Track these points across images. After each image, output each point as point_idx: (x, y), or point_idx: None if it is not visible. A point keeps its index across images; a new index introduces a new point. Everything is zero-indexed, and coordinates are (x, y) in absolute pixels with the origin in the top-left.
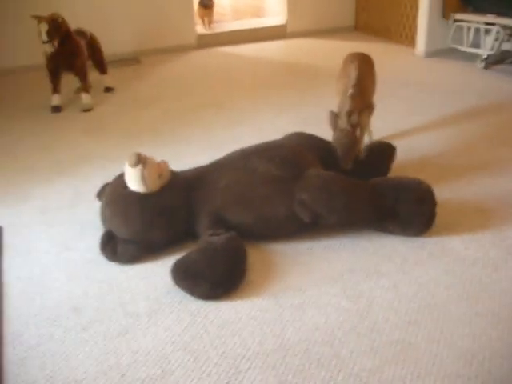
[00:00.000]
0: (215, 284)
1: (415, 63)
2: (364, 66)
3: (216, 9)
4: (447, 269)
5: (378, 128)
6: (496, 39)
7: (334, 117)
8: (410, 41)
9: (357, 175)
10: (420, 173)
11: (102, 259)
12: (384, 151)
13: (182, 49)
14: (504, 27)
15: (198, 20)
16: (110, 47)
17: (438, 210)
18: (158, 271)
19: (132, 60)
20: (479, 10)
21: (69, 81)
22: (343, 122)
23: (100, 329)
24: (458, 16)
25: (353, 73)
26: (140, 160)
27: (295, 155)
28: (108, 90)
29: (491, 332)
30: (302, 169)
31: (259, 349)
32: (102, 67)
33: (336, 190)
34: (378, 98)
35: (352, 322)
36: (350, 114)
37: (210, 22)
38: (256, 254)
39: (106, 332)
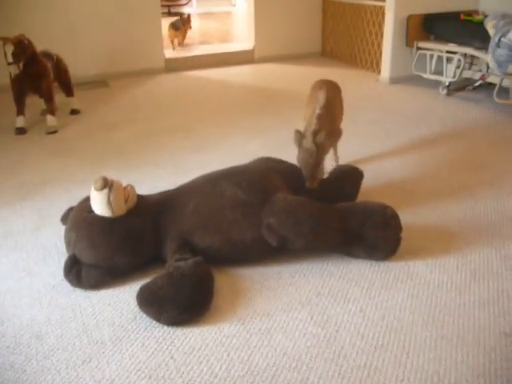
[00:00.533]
0: (182, 310)
1: (380, 89)
2: (332, 93)
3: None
4: (412, 293)
5: (344, 153)
6: (457, 67)
7: (300, 136)
8: (375, 67)
9: (324, 200)
10: (385, 197)
11: (65, 285)
12: (352, 175)
13: (150, 72)
14: (465, 55)
15: (168, 42)
16: (78, 70)
17: (403, 234)
18: (124, 297)
19: (100, 83)
20: (441, 38)
21: (34, 102)
22: (308, 142)
23: (63, 357)
24: (421, 44)
25: (321, 97)
26: (106, 184)
27: (262, 179)
28: (74, 112)
29: (456, 355)
30: (270, 193)
31: (226, 375)
32: (68, 89)
33: (303, 215)
34: (344, 123)
35: (320, 347)
36: (316, 133)
37: (179, 43)
38: (223, 279)
39: (68, 360)
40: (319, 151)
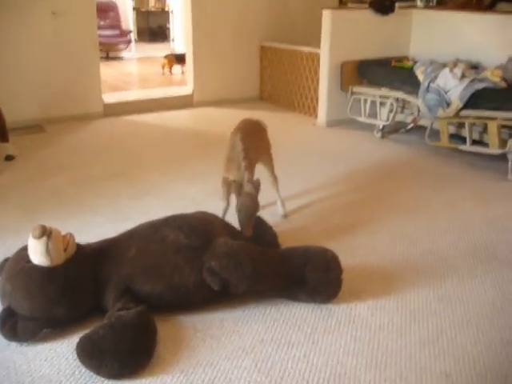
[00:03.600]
0: (123, 363)
1: (317, 132)
2: (251, 137)
3: (123, 77)
4: (355, 335)
5: (284, 195)
6: (390, 111)
7: (238, 185)
8: (312, 111)
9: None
10: (325, 239)
11: None
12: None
13: (88, 117)
14: (397, 100)
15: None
16: (12, 114)
17: (344, 276)
18: (62, 351)
19: (36, 127)
20: (374, 83)
21: None
22: (248, 187)
23: None
24: (356, 89)
25: (239, 145)
26: (45, 231)
27: (204, 224)
28: (9, 158)
29: None
30: (211, 237)
31: None
32: (2, 135)
33: (244, 257)
34: (283, 166)
35: None
36: (251, 181)
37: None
38: (166, 328)
39: None
40: (257, 196)
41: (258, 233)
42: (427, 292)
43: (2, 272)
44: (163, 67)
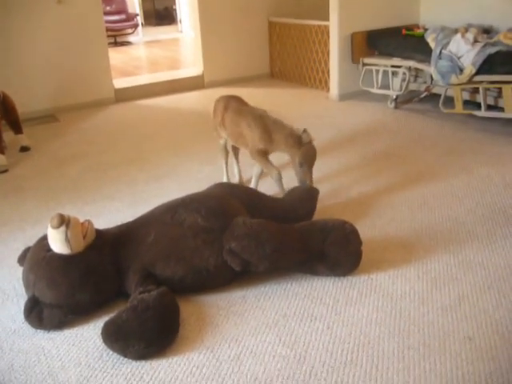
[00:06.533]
0: (148, 343)
1: (330, 106)
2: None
3: (132, 62)
4: (377, 306)
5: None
6: (403, 80)
7: (298, 135)
8: (324, 85)
9: (282, 221)
10: (343, 212)
11: (27, 328)
12: (307, 195)
13: (100, 104)
14: (409, 69)
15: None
16: (25, 105)
17: (364, 247)
18: (89, 335)
19: (49, 117)
20: (385, 53)
21: None
22: (307, 136)
23: None
24: (367, 60)
25: (264, 114)
26: (63, 221)
27: (221, 205)
28: (24, 149)
29: (424, 364)
30: (229, 217)
31: None
32: (16, 127)
33: (264, 237)
34: None
35: (290, 368)
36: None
37: None
38: (189, 308)
39: None
40: None
41: (294, 204)
42: (447, 258)
43: (23, 262)
44: None
